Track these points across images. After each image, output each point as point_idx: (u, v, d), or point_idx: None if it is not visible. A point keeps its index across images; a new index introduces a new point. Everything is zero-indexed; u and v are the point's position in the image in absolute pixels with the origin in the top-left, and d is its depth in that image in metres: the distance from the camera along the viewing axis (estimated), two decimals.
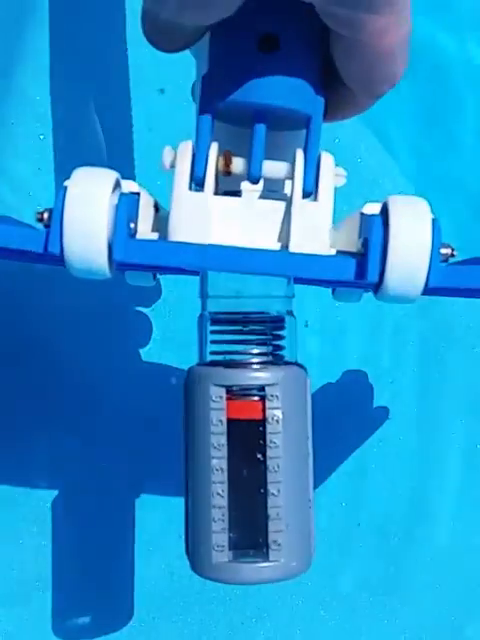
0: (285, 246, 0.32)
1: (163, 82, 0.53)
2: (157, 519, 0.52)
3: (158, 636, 0.52)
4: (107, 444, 0.52)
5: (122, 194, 0.30)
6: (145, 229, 0.33)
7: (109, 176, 0.30)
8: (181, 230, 0.31)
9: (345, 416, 0.52)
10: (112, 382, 0.52)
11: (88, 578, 0.52)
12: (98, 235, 0.29)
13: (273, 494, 0.35)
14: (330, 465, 0.53)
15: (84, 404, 0.52)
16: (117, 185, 0.31)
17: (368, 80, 0.31)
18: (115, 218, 0.29)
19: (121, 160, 0.51)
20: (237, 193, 0.35)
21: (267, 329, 0.37)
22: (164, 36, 0.31)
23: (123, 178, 0.33)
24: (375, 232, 0.30)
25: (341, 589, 0.53)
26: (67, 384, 0.52)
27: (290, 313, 0.38)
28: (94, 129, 0.51)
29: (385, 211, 0.31)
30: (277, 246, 0.32)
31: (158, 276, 0.46)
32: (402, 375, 0.53)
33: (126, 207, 0.29)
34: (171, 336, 0.52)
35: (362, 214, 0.33)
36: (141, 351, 0.52)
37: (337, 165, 0.33)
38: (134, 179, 0.34)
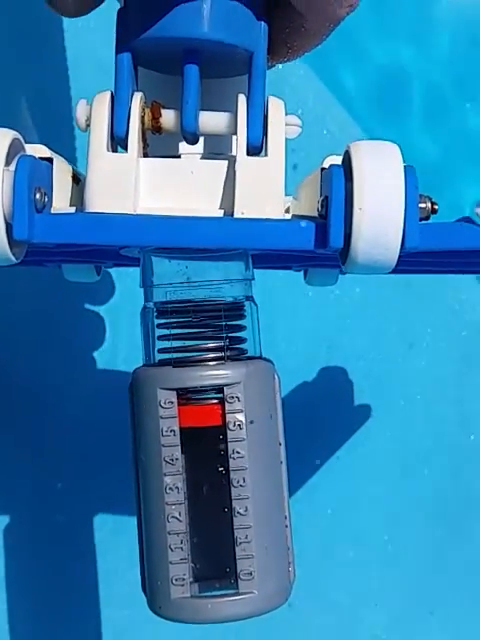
0: (230, 214, 0.26)
1: None
2: (120, 542, 0.47)
3: None
4: (61, 461, 0.47)
5: (22, 156, 0.24)
6: (62, 204, 0.28)
7: (2, 135, 0.24)
8: (99, 199, 0.26)
9: (323, 416, 0.48)
10: (63, 393, 0.47)
11: (44, 607, 0.47)
12: None
13: (240, 513, 0.30)
14: (309, 469, 0.48)
15: (34, 418, 0.47)
16: (18, 148, 0.25)
17: (322, 0, 0.26)
18: (13, 186, 0.23)
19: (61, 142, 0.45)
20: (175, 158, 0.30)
21: (223, 318, 0.31)
22: None
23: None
24: (336, 186, 0.24)
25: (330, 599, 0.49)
26: (15, 398, 0.47)
27: (250, 299, 0.32)
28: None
29: (348, 160, 0.25)
30: (219, 214, 0.26)
31: (105, 269, 0.41)
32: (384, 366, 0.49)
33: (27, 172, 0.24)
34: (129, 336, 0.47)
35: (322, 170, 0.27)
36: (95, 355, 0.46)
37: (289, 113, 0.28)
38: (76, 163, 0.29)
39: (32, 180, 0.24)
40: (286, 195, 0.30)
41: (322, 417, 0.48)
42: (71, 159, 0.41)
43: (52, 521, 0.47)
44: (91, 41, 0.46)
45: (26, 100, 0.46)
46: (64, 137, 0.44)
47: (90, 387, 0.47)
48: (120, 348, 0.47)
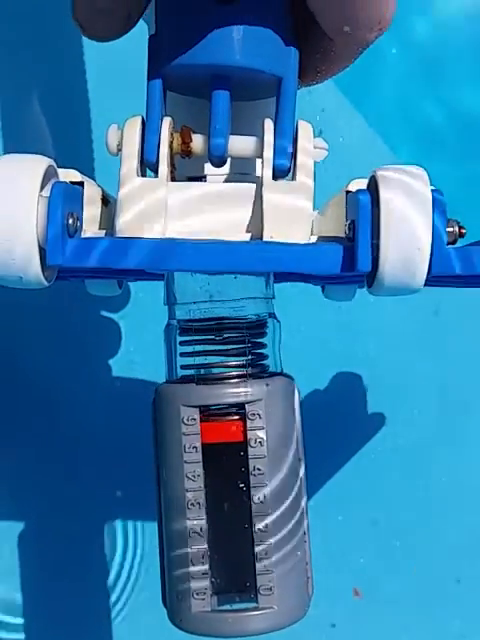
0: (257, 237, 0.26)
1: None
2: (133, 548, 0.47)
3: None
4: (77, 469, 0.47)
5: (56, 183, 0.25)
6: (92, 227, 0.28)
7: (39, 162, 0.25)
8: (129, 224, 0.26)
9: (336, 423, 0.48)
10: (81, 401, 0.47)
11: (58, 608, 0.48)
12: (25, 235, 0.24)
13: (260, 529, 0.31)
14: (322, 477, 0.49)
15: (48, 424, 0.48)
16: (51, 174, 0.26)
17: (351, 25, 0.26)
18: (47, 213, 0.24)
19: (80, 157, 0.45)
20: (202, 179, 0.30)
21: (245, 336, 0.31)
22: (101, 17, 0.26)
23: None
24: (363, 211, 0.24)
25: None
26: (31, 406, 0.47)
27: (272, 316, 0.33)
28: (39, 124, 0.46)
29: (374, 186, 0.25)
30: (247, 237, 0.27)
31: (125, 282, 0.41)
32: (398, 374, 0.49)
33: (61, 199, 0.24)
34: (145, 345, 0.47)
35: (347, 192, 0.27)
36: (111, 363, 0.47)
37: (317, 136, 0.28)
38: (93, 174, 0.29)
39: (65, 206, 0.24)
40: None
41: (335, 424, 0.48)
42: (89, 174, 0.41)
43: (63, 526, 0.47)
44: (111, 58, 0.46)
45: (46, 116, 0.46)
46: (82, 151, 0.44)
47: (105, 393, 0.48)
48: (135, 355, 0.47)
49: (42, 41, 0.47)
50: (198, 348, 0.32)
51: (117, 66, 0.45)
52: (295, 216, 0.27)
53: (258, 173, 0.30)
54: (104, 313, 0.47)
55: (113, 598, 0.47)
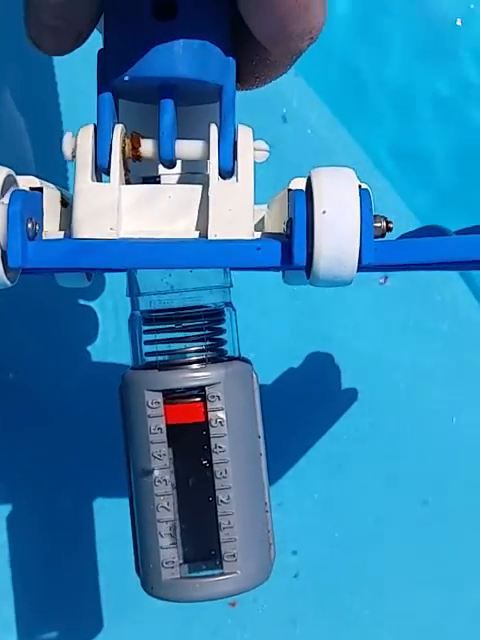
0: (205, 235, 0.29)
1: None
2: (115, 530, 0.49)
3: None
4: (57, 450, 0.49)
5: (15, 191, 0.27)
6: (52, 228, 0.30)
7: None
8: (85, 226, 0.28)
9: (305, 405, 0.50)
10: (59, 385, 0.49)
11: (47, 590, 0.50)
12: None
13: (223, 501, 0.33)
14: (295, 456, 0.50)
15: (31, 408, 0.49)
16: (10, 182, 0.28)
17: (284, 36, 0.28)
18: (6, 219, 0.26)
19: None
20: (157, 179, 0.32)
21: (203, 324, 0.34)
22: (52, 35, 0.28)
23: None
24: (298, 209, 0.27)
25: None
26: (10, 394, 0.49)
27: (229, 304, 0.35)
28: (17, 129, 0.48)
29: (310, 186, 0.28)
30: (196, 235, 0.29)
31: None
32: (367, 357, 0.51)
33: (20, 205, 0.26)
34: (122, 331, 0.49)
35: (289, 190, 0.30)
36: (89, 349, 0.49)
37: (257, 139, 0.30)
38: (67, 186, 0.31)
39: (24, 211, 0.26)
40: (262, 203, 0.33)
41: (305, 407, 0.50)
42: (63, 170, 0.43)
43: (55, 507, 0.49)
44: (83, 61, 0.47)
45: (24, 118, 0.48)
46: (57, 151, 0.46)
47: (83, 380, 0.49)
48: (110, 340, 0.49)
49: (13, 44, 0.48)
50: (160, 336, 0.34)
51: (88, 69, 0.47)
52: (237, 215, 0.29)
53: (207, 171, 0.32)
54: (81, 302, 0.49)
55: (102, 574, 0.49)
